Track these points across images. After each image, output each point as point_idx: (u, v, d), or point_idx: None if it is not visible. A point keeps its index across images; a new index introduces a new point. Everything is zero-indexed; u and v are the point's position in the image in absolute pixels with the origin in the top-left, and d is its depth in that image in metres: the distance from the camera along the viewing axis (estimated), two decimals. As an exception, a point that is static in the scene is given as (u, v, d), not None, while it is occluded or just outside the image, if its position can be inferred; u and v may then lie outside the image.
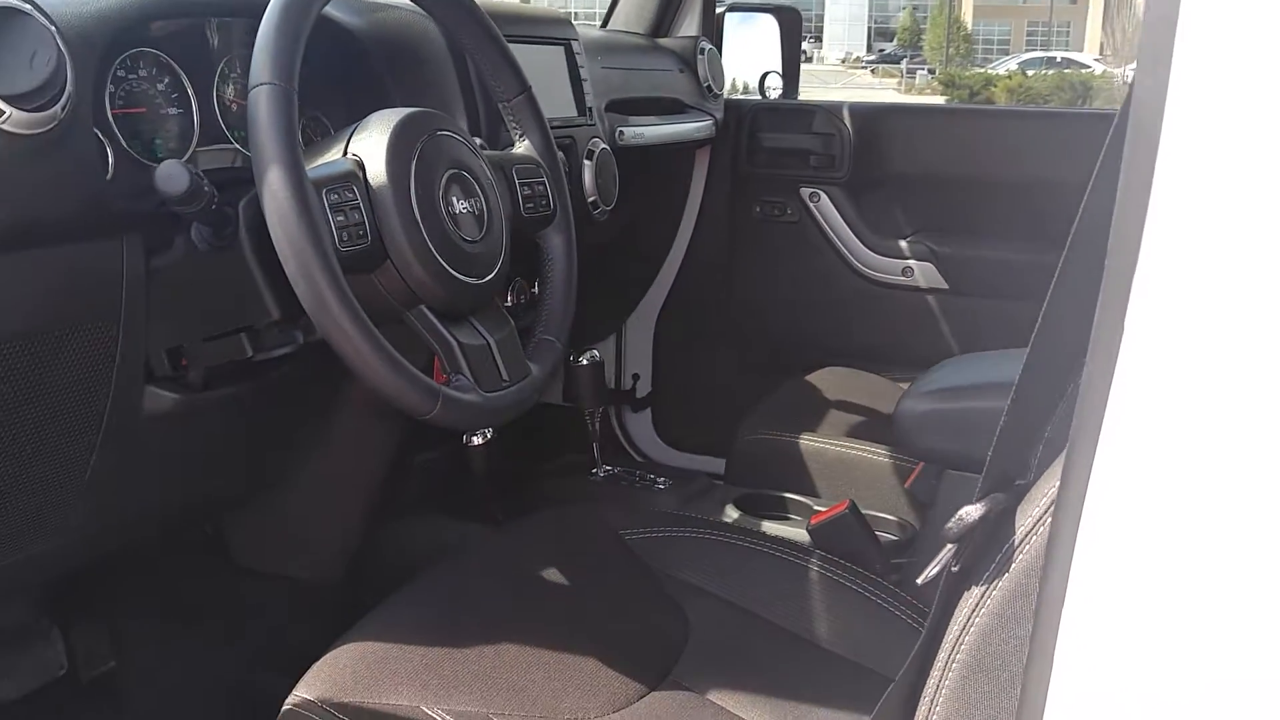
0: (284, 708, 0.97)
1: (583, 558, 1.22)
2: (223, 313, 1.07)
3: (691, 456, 2.31)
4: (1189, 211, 0.47)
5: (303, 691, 0.97)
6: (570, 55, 1.62)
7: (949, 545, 0.70)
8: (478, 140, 1.26)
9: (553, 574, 1.18)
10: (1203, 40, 0.46)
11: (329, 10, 1.27)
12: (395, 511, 1.69)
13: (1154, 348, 0.48)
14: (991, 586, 0.66)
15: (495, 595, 1.14)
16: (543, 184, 1.21)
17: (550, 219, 1.22)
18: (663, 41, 2.12)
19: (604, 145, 1.60)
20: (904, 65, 34.81)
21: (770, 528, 1.52)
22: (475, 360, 1.05)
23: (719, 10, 2.26)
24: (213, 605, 1.60)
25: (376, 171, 1.00)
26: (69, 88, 0.91)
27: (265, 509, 1.55)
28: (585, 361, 1.70)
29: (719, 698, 1.04)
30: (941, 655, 0.69)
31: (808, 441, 1.66)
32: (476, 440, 1.56)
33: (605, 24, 2.20)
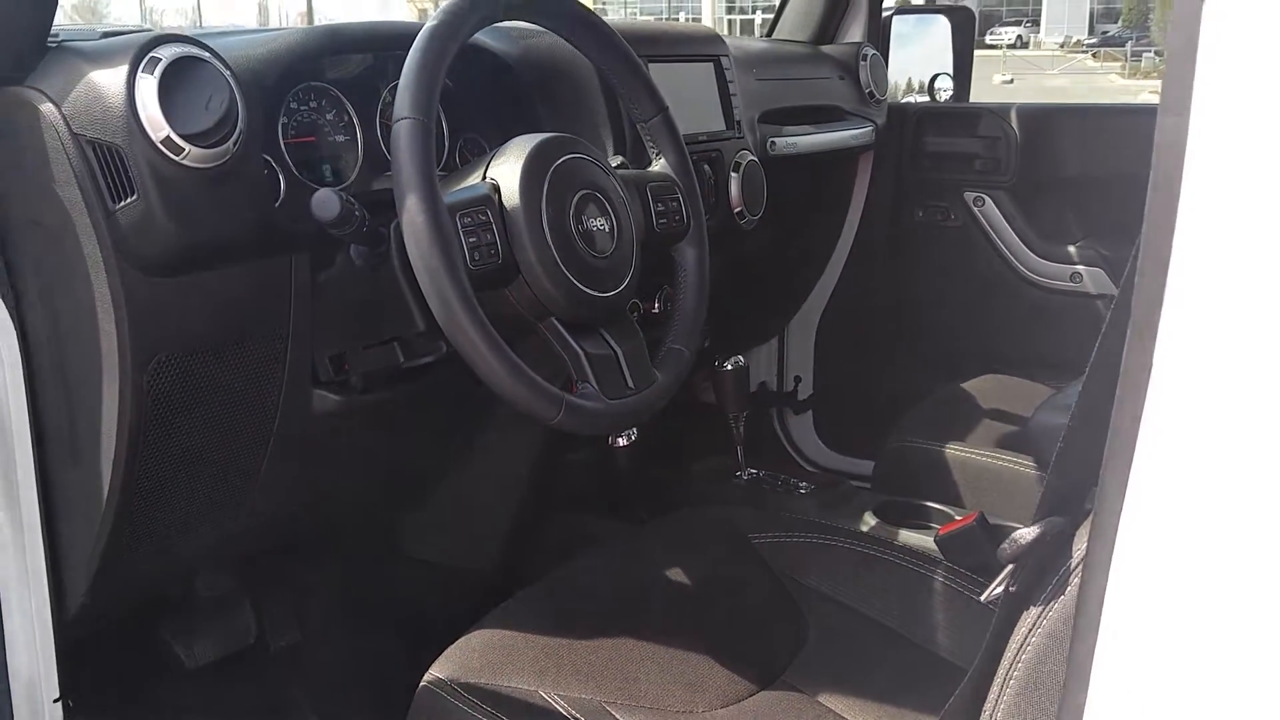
0: (420, 685, 1.06)
1: (709, 559, 1.27)
2: (378, 323, 1.17)
3: (854, 461, 2.32)
4: (1214, 248, 0.48)
5: (436, 671, 1.06)
6: (719, 70, 1.66)
7: (1008, 566, 0.71)
8: (618, 159, 1.32)
9: (677, 574, 1.24)
10: (1225, 84, 0.47)
11: (483, 39, 1.37)
12: (546, 507, 1.77)
13: (1182, 375, 0.49)
14: (1048, 608, 0.68)
15: (620, 591, 1.20)
16: (676, 200, 1.25)
17: (684, 233, 1.27)
18: (825, 49, 2.13)
19: (752, 157, 1.63)
20: (1128, 48, 32.88)
21: (907, 536, 1.52)
22: (600, 369, 1.11)
23: (885, 14, 2.25)
24: (382, 589, 1.73)
25: (511, 194, 1.08)
26: (240, 124, 1.02)
27: (428, 503, 1.67)
28: (730, 367, 1.74)
29: (829, 700, 1.06)
30: (999, 673, 0.71)
31: (954, 450, 1.65)
32: (621, 442, 1.63)
33: (770, 33, 2.23)
